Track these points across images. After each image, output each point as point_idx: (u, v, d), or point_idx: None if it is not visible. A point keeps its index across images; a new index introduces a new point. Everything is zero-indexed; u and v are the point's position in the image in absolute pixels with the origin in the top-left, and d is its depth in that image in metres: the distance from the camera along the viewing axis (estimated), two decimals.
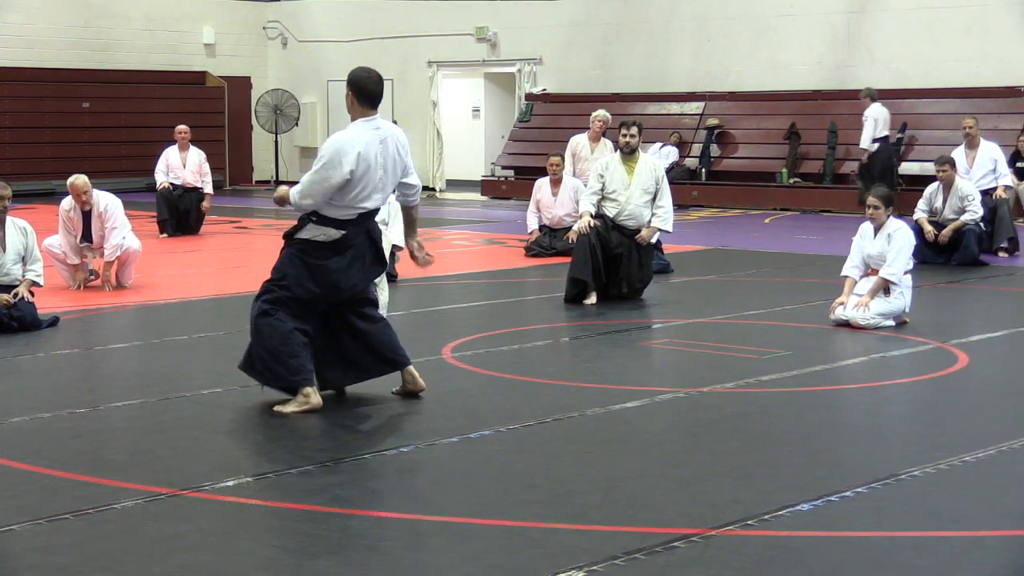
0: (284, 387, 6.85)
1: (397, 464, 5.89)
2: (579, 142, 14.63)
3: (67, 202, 11.56)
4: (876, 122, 19.16)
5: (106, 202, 11.52)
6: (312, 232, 6.81)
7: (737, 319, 9.90)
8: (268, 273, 6.99)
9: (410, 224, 7.31)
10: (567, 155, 14.47)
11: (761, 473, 5.68)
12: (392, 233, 11.54)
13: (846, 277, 9.65)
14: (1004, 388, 7.66)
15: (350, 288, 6.87)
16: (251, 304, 6.95)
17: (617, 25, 23.40)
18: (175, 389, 7.36)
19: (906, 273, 9.44)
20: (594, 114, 14.67)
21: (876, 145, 19.21)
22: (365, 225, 6.87)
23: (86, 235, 11.53)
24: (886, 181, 19.15)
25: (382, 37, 25.73)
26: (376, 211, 6.93)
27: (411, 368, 7.14)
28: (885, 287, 9.40)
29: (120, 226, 11.49)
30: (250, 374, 6.95)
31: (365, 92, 6.86)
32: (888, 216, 9.54)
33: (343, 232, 6.79)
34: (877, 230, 9.54)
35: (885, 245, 9.45)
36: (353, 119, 6.90)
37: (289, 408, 6.76)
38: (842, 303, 9.47)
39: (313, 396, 6.78)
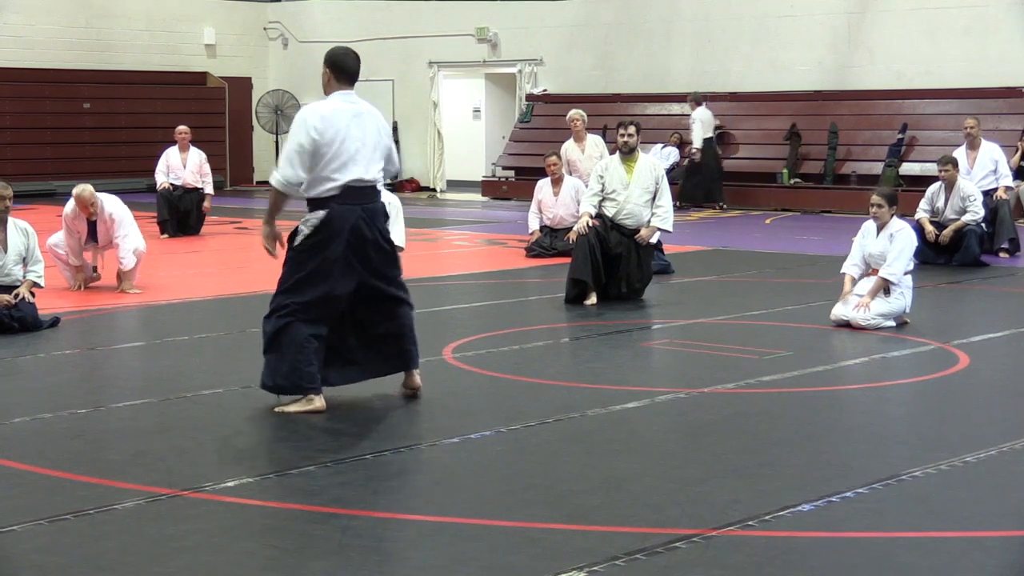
0: (298, 393, 6.83)
1: (397, 464, 5.89)
2: (567, 147, 14.69)
3: (70, 207, 11.38)
4: (703, 124, 20.44)
5: (111, 209, 11.35)
6: (305, 221, 6.74)
7: (738, 320, 9.90)
8: (268, 273, 6.97)
9: None
10: (562, 161, 14.51)
11: (762, 473, 5.68)
12: (393, 233, 11.53)
13: (844, 274, 9.66)
14: (1005, 389, 7.66)
15: (351, 283, 6.79)
16: (262, 321, 6.86)
17: (617, 26, 23.41)
18: (176, 389, 7.36)
19: (907, 273, 9.44)
20: (568, 116, 14.76)
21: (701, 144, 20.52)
22: (358, 206, 6.76)
23: (91, 236, 11.48)
24: (712, 178, 20.48)
25: (382, 37, 25.73)
26: (368, 191, 6.80)
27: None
28: (885, 287, 9.40)
29: (131, 233, 11.36)
30: (271, 391, 6.84)
31: (343, 68, 6.85)
32: (892, 216, 9.54)
33: (327, 211, 6.70)
34: (880, 229, 9.54)
35: (887, 244, 9.44)
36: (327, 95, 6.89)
37: (292, 408, 6.75)
38: (843, 299, 9.47)
39: (317, 401, 6.76)
